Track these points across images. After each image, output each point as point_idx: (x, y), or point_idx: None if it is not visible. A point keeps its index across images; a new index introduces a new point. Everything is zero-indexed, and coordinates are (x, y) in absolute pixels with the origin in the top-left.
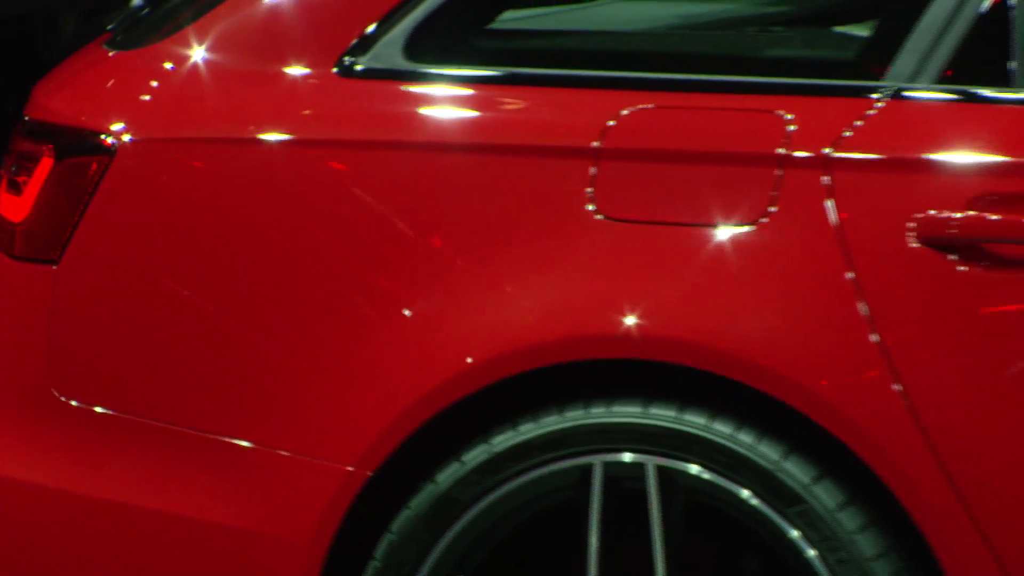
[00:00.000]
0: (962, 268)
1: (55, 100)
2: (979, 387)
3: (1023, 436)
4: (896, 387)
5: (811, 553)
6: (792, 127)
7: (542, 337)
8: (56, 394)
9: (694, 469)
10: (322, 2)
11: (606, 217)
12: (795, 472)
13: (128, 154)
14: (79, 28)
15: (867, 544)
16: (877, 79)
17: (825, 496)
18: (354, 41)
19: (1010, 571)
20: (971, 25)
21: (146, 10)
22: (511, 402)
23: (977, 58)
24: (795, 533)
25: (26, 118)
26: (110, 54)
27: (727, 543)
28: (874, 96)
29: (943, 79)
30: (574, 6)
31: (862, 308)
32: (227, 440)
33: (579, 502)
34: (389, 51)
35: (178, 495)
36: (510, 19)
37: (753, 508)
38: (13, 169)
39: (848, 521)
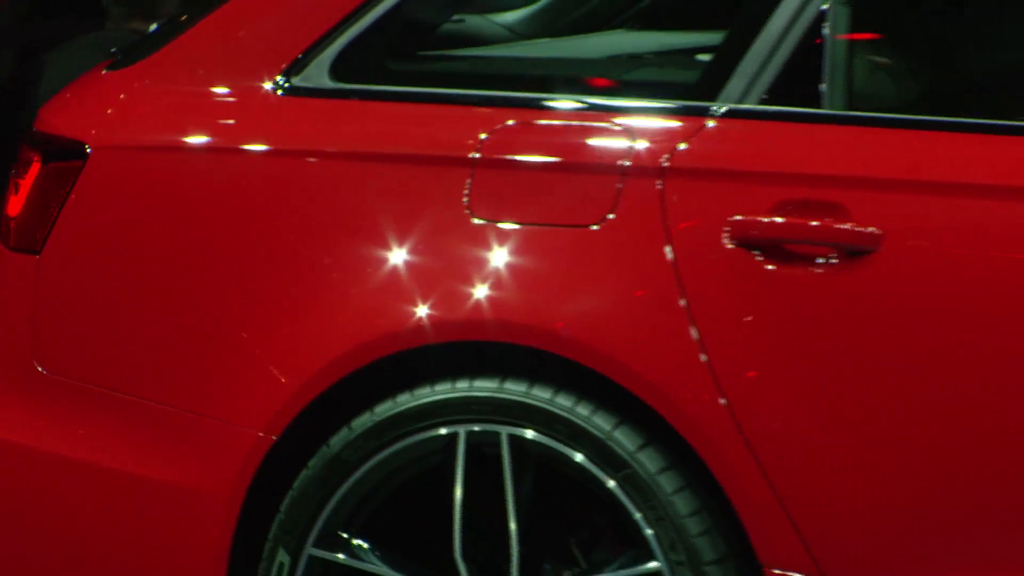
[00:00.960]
0: (764, 263)
1: (51, 114)
2: (776, 365)
3: (809, 406)
4: (705, 364)
5: (635, 512)
6: (633, 142)
7: (415, 322)
8: (36, 366)
9: (540, 437)
10: (261, 29)
11: (478, 218)
12: (623, 441)
13: (97, 160)
14: (17, 65)
15: (682, 504)
16: (713, 100)
17: (647, 462)
18: (288, 63)
19: (799, 525)
20: (792, 54)
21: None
22: (396, 378)
23: (796, 82)
24: (618, 487)
25: (33, 130)
26: (102, 74)
27: (571, 499)
28: (706, 115)
29: (766, 100)
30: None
31: (682, 298)
32: (163, 406)
33: (447, 465)
34: (317, 72)
35: (123, 452)
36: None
37: (587, 471)
38: (12, 172)
39: (667, 483)
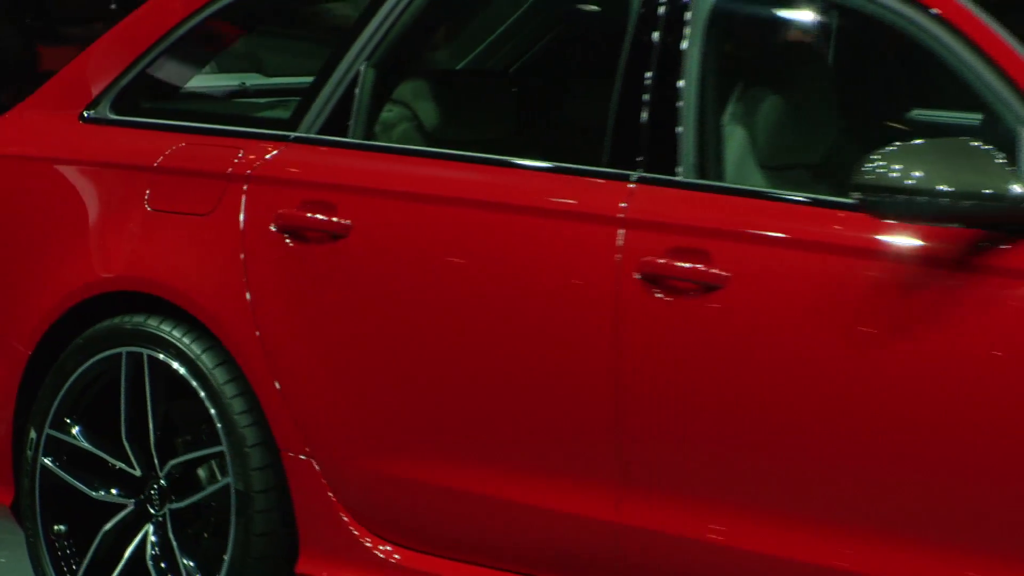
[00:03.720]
0: (289, 241)
1: None
2: (290, 305)
3: (307, 334)
4: (251, 311)
5: (211, 408)
6: (238, 158)
7: (97, 276)
8: None
9: (161, 355)
10: (84, 76)
11: (150, 207)
12: (206, 360)
13: None
14: None
15: (236, 404)
16: (294, 130)
17: (219, 375)
18: (90, 100)
19: (298, 420)
20: (338, 101)
21: None
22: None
23: (338, 120)
24: (202, 392)
25: None
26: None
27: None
28: (284, 140)
29: (321, 131)
30: None
31: (244, 263)
32: None
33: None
34: (104, 107)
35: None
36: None
37: (186, 379)
38: None
39: (229, 390)
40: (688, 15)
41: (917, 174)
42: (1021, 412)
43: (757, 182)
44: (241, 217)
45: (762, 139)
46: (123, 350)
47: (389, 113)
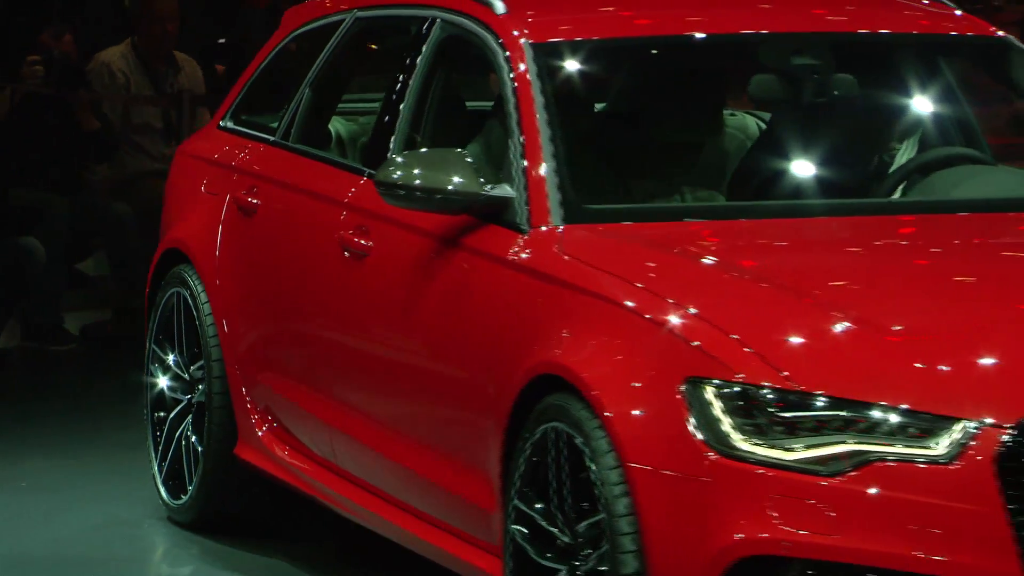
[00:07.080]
0: (241, 214)
1: None
2: (239, 255)
3: (242, 267)
4: (216, 253)
5: (198, 327)
6: (241, 156)
7: (172, 236)
8: None
9: (186, 293)
10: (233, 94)
11: (204, 192)
12: (202, 297)
13: (176, 159)
14: None
15: (210, 329)
16: (273, 136)
17: (206, 308)
18: (223, 115)
19: (230, 336)
20: (293, 113)
21: None
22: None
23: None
24: (197, 320)
25: None
26: None
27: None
28: (266, 143)
29: (282, 137)
30: None
31: (219, 225)
32: None
33: None
34: (229, 119)
35: None
36: None
37: (192, 309)
38: None
39: (208, 320)
40: (423, 48)
41: (400, 173)
42: (480, 351)
43: None
44: (227, 197)
45: (490, 150)
46: (172, 290)
47: (359, 128)
